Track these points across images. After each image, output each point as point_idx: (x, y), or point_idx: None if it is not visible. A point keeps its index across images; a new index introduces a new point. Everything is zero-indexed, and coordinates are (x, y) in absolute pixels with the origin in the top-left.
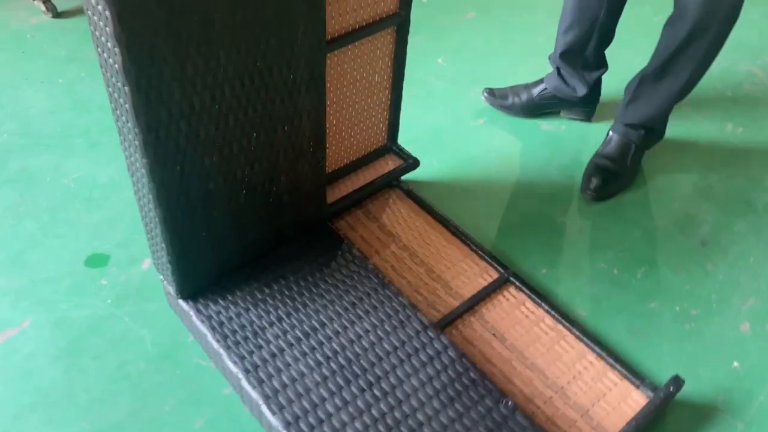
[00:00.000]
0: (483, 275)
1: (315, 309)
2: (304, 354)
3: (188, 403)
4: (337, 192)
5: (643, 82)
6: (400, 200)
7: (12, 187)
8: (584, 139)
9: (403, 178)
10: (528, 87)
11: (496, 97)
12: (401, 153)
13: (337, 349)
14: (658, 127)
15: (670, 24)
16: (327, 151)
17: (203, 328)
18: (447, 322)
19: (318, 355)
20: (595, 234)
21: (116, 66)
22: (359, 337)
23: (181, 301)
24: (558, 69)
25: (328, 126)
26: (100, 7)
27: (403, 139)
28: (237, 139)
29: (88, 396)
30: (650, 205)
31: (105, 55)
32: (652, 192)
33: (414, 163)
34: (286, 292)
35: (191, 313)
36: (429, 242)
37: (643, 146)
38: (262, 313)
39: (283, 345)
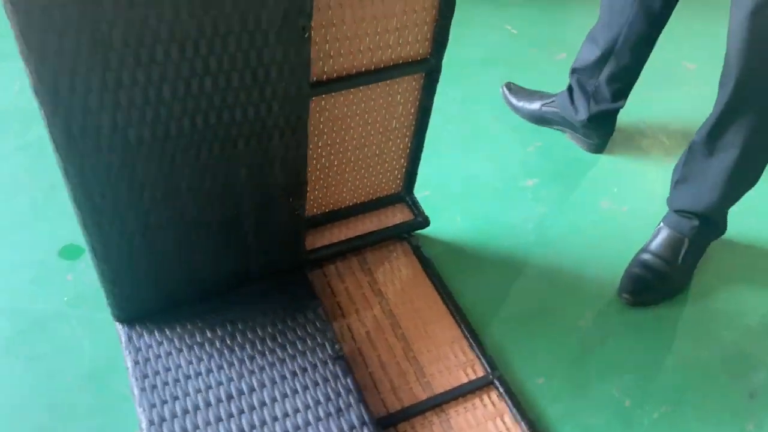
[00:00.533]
0: (466, 369)
1: (251, 369)
2: (219, 420)
3: None
4: (327, 236)
5: (691, 155)
6: (404, 256)
7: (24, 154)
8: (649, 229)
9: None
10: (543, 96)
11: (511, 93)
12: (414, 207)
13: (257, 423)
14: (715, 216)
15: (720, 83)
16: (324, 191)
17: (127, 360)
18: (402, 418)
19: (233, 425)
20: (617, 350)
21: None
22: (286, 415)
23: (117, 324)
24: (570, 85)
25: (328, 166)
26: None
27: (433, 184)
28: (185, 179)
29: (2, 399)
30: (698, 327)
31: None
32: (706, 310)
33: (423, 222)
34: (228, 341)
35: (123, 338)
36: (418, 313)
37: (699, 242)
38: (194, 359)
39: (201, 403)
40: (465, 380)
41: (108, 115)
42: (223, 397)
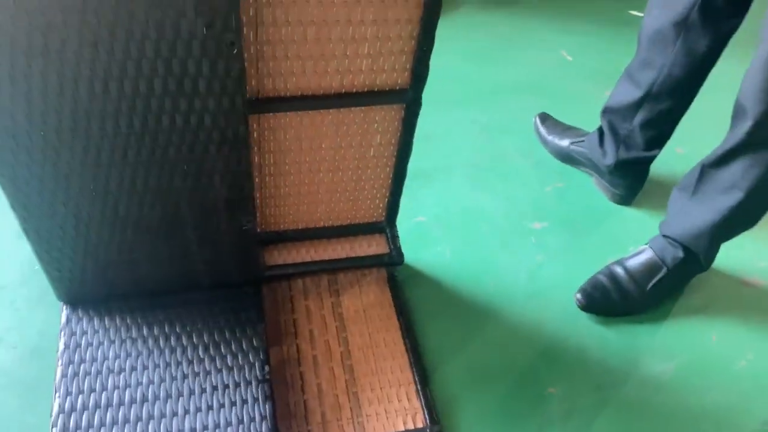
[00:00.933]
0: (406, 417)
1: (174, 375)
2: (126, 421)
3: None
4: (293, 254)
5: (697, 180)
6: (376, 283)
7: None
8: None
9: None
10: (576, 133)
11: (544, 124)
12: (391, 241)
13: None
14: (700, 251)
15: (733, 121)
16: (293, 208)
17: (60, 341)
18: None
19: (138, 430)
20: (583, 428)
21: None
22: (192, 430)
23: (60, 303)
24: (600, 126)
25: (297, 184)
26: None
27: (431, 210)
28: (113, 178)
29: None
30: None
31: None
32: (686, 372)
33: (396, 259)
34: (161, 343)
35: (63, 319)
36: (374, 348)
37: (678, 274)
38: (123, 354)
39: (115, 401)
40: (401, 429)
41: (22, 109)
42: (138, 399)
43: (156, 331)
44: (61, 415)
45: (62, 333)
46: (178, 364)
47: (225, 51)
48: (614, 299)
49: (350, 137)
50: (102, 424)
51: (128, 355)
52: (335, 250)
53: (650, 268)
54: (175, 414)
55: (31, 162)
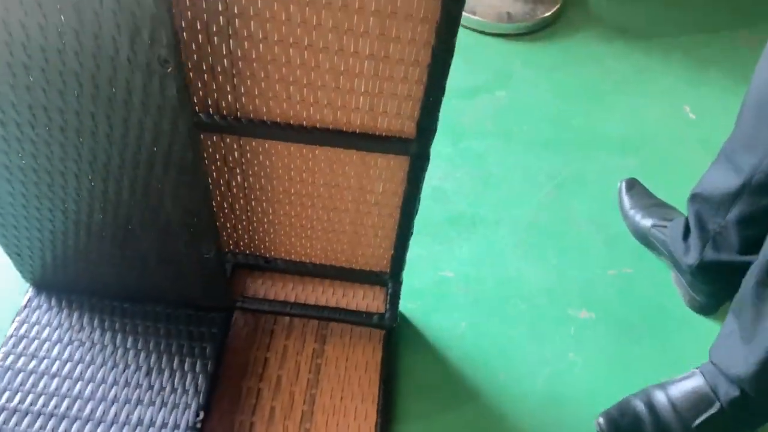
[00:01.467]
0: None
1: (103, 396)
2: (52, 415)
3: None
4: (279, 287)
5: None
6: (368, 340)
7: None
8: None
9: (402, 311)
10: (665, 212)
11: (629, 193)
12: (390, 300)
13: None
14: (755, 394)
15: None
16: (290, 238)
17: (16, 320)
18: None
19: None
20: None
21: None
22: None
23: (26, 283)
24: (687, 216)
25: (282, 214)
26: None
27: (463, 267)
28: (60, 174)
29: None
30: None
31: None
32: None
33: (385, 322)
34: (107, 352)
35: (27, 297)
36: (341, 417)
37: (732, 416)
38: (74, 345)
39: (40, 408)
40: None
41: None
42: (70, 400)
43: (107, 339)
44: None
45: (18, 316)
46: (113, 384)
47: (158, 67)
48: None
49: (347, 179)
50: (26, 411)
51: (80, 347)
52: (325, 293)
53: (698, 401)
54: (109, 410)
55: None
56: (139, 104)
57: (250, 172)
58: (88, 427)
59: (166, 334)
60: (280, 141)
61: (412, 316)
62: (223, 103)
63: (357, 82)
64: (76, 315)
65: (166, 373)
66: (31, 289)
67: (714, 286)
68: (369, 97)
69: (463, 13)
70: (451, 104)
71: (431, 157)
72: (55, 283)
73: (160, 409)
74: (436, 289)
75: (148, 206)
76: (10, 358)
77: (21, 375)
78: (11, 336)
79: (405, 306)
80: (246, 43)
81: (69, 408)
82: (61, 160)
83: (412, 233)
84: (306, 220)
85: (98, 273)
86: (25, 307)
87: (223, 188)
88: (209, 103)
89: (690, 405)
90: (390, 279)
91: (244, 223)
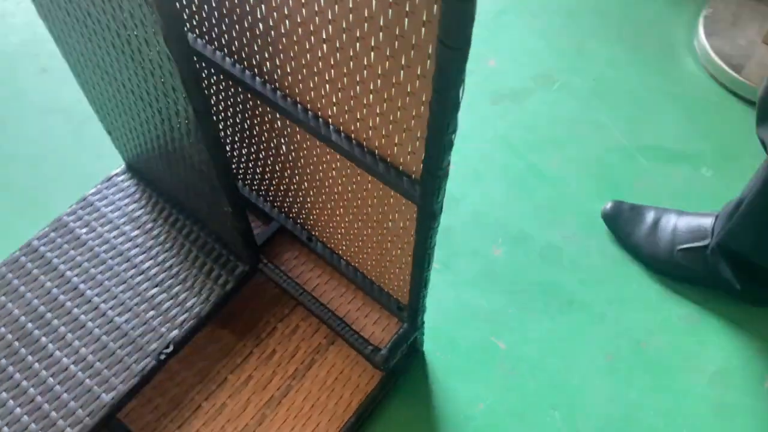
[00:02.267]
0: None
1: (139, 265)
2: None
3: None
4: (308, 270)
5: None
6: (366, 368)
7: None
8: None
9: (431, 358)
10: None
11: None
12: (397, 338)
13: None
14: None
15: None
16: (326, 227)
17: (96, 186)
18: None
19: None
20: None
21: None
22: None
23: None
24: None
25: (329, 207)
26: None
27: (519, 356)
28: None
29: None
30: None
31: None
32: None
33: (376, 358)
34: (159, 240)
35: (115, 172)
36: (300, 425)
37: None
38: (128, 223)
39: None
40: None
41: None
42: (70, 292)
43: (153, 233)
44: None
45: (100, 183)
46: (135, 266)
47: None
48: (637, 232)
49: (366, 196)
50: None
51: (121, 227)
52: (344, 297)
53: (695, 231)
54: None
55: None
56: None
57: (292, 148)
58: (98, 290)
59: (196, 258)
60: (302, 128)
61: (436, 367)
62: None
63: (372, 98)
64: (142, 202)
65: (177, 290)
66: (122, 167)
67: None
68: (383, 116)
69: (723, 65)
70: (639, 163)
71: None
72: (138, 169)
73: (156, 317)
74: (478, 354)
75: (175, 141)
76: (73, 216)
77: (74, 233)
78: (84, 198)
79: (434, 354)
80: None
81: (95, 267)
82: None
83: (423, 288)
84: (339, 218)
85: (163, 175)
86: (109, 179)
87: (271, 154)
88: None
89: (686, 232)
90: (406, 317)
91: (291, 194)
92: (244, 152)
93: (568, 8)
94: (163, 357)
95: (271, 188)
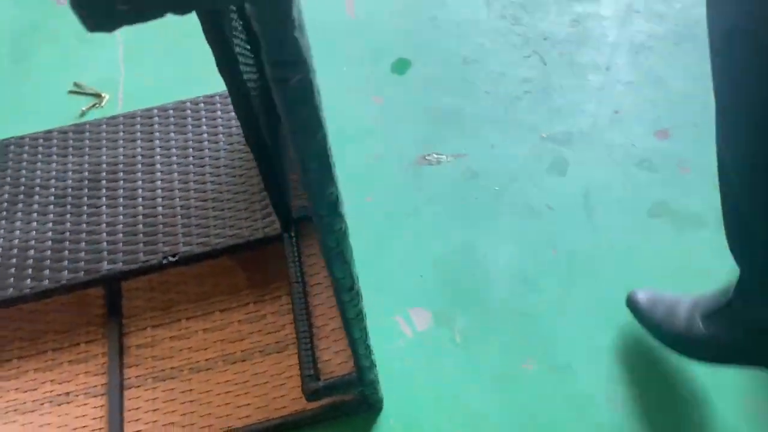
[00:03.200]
0: None
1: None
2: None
3: None
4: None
5: None
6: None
7: None
8: None
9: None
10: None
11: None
12: (346, 380)
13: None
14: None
15: None
16: None
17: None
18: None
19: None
20: None
21: None
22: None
23: None
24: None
25: None
26: None
27: None
28: None
29: None
30: None
31: None
32: None
33: (308, 400)
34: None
35: None
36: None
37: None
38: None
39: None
40: None
41: None
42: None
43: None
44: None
45: None
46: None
47: None
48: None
49: None
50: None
51: None
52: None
53: (716, 296)
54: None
55: None
56: None
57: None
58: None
59: (247, 198)
60: None
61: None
62: None
63: None
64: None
65: (214, 215)
66: None
67: None
68: None
69: None
70: None
71: None
72: None
73: (183, 227)
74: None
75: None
76: (194, 106)
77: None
78: (212, 96)
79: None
80: None
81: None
82: None
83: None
84: None
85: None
86: None
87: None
88: None
89: (707, 301)
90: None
91: None
92: None
93: None
94: (165, 262)
95: None
